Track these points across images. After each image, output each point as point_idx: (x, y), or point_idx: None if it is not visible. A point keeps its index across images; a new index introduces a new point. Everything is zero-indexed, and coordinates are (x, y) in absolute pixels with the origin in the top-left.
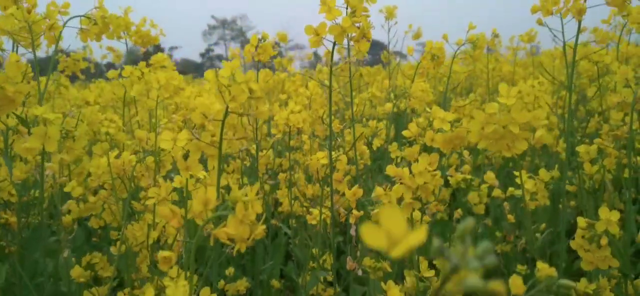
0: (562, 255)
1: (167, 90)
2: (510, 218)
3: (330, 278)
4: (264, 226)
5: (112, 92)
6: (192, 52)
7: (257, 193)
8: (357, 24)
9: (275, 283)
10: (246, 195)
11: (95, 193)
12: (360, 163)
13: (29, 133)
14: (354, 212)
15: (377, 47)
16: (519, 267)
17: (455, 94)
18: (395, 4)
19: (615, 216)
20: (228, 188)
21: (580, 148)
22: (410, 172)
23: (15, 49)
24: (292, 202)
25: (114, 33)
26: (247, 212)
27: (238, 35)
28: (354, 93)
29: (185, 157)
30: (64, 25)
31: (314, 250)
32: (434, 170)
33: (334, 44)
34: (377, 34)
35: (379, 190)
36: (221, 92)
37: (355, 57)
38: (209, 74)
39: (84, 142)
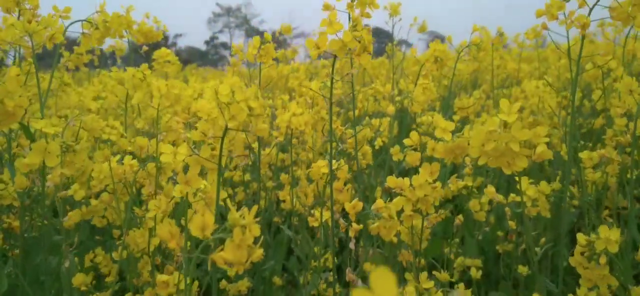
0: (564, 254)
1: (168, 98)
2: (512, 224)
3: (331, 279)
4: (261, 250)
5: (114, 94)
6: (197, 39)
7: (256, 215)
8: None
9: (277, 280)
10: (244, 218)
11: (97, 196)
12: (362, 162)
13: (31, 146)
14: (354, 225)
15: (382, 36)
16: (521, 268)
17: (460, 88)
18: (399, 1)
19: (615, 235)
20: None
21: (583, 155)
22: (411, 184)
23: (16, 51)
24: (295, 200)
25: (116, 32)
26: (244, 236)
27: (242, 23)
28: (358, 88)
29: (186, 169)
30: (64, 31)
31: (315, 249)
32: (435, 180)
33: (335, 57)
34: (382, 22)
35: (379, 202)
36: (221, 110)
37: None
38: (207, 90)
39: (84, 156)
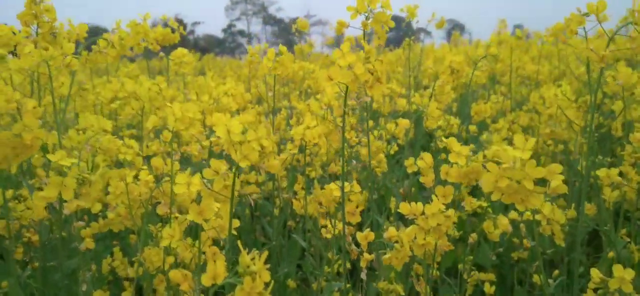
0: (582, 260)
1: (183, 122)
2: (526, 243)
3: (343, 287)
4: None
5: (131, 107)
6: (215, 27)
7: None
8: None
9: (291, 283)
10: (254, 263)
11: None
12: (377, 170)
13: (47, 181)
14: (365, 255)
15: (401, 23)
16: (535, 277)
17: (478, 86)
18: (416, 3)
19: (629, 274)
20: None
21: (601, 173)
22: (423, 213)
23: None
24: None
25: (132, 40)
26: (255, 283)
27: (260, 11)
28: None
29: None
30: (81, 52)
31: (329, 255)
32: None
33: (347, 88)
34: (400, 8)
35: (391, 231)
36: (233, 148)
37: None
38: (220, 129)
39: (100, 186)
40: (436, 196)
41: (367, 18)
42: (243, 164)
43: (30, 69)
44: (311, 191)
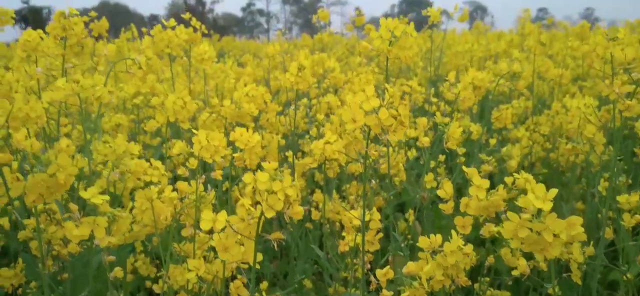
0: (598, 268)
1: (208, 150)
2: (543, 266)
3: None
4: None
5: (156, 121)
6: (234, 5)
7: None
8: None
9: (308, 283)
10: None
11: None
12: (396, 181)
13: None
14: (384, 292)
15: (423, 5)
16: (550, 290)
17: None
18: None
19: None
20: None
21: (621, 198)
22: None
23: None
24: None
25: (157, 46)
26: None
27: None
28: (393, 79)
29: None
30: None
31: (347, 260)
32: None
33: (369, 129)
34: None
35: (410, 266)
36: (260, 197)
37: None
38: (247, 176)
39: (128, 223)
40: (456, 231)
41: (390, 43)
42: (268, 214)
43: (62, 100)
44: (329, 189)
